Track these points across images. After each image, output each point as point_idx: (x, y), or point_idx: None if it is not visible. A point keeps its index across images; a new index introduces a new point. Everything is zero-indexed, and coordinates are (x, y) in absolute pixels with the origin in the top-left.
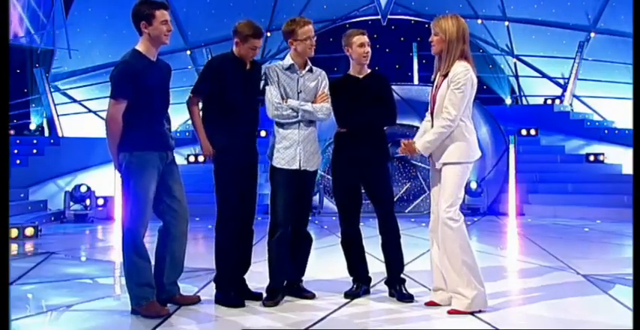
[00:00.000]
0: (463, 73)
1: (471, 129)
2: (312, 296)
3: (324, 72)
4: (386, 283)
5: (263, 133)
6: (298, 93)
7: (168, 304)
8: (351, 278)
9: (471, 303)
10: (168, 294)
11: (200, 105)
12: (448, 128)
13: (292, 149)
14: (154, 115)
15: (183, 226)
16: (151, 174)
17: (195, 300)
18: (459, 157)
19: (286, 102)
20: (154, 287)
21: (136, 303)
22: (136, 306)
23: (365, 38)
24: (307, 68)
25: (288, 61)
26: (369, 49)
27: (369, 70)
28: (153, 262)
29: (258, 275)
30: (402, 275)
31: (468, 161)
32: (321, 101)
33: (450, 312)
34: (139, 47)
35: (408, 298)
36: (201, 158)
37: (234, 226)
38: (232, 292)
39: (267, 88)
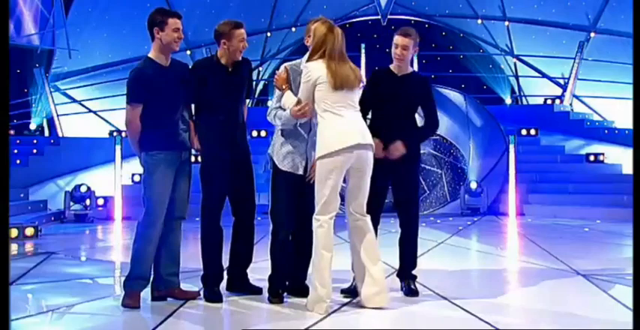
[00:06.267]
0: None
1: (328, 123)
2: None
3: None
4: (398, 275)
5: (263, 134)
6: None
7: (170, 299)
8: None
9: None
10: (166, 285)
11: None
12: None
13: (297, 154)
14: (166, 117)
15: (179, 219)
16: (164, 172)
17: (194, 295)
18: (317, 152)
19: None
20: (147, 281)
21: (129, 286)
22: (128, 289)
23: (401, 40)
24: None
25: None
26: (403, 51)
27: (410, 70)
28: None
29: (260, 270)
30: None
31: (322, 154)
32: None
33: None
34: (151, 54)
35: (414, 294)
36: (200, 158)
37: (213, 222)
38: (211, 286)
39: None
